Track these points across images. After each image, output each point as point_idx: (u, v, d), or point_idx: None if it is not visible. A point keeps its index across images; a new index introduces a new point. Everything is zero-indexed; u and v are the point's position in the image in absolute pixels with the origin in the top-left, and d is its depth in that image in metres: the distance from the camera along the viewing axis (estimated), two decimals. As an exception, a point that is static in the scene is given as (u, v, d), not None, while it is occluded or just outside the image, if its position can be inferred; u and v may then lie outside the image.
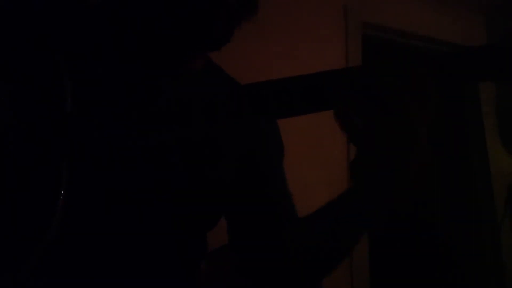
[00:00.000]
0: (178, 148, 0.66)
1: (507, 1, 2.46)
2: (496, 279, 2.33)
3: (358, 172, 0.56)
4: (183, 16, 0.63)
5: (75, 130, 0.53)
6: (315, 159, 2.03)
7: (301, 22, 2.15)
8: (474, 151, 2.52)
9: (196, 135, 0.63)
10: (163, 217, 0.66)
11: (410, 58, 0.53)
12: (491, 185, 2.42)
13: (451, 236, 2.59)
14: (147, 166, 0.64)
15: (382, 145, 0.52)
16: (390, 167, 0.53)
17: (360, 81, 0.52)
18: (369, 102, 0.51)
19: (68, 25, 0.64)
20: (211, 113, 0.52)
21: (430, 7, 2.46)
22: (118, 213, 0.62)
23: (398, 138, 0.51)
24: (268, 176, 0.78)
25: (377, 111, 0.51)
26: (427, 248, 2.63)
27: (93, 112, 0.54)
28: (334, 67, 0.55)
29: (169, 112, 0.53)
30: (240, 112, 0.52)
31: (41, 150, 0.53)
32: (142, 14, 0.66)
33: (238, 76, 0.80)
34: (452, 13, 2.52)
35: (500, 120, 2.53)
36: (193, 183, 0.67)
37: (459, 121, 2.59)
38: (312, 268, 0.71)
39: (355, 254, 1.98)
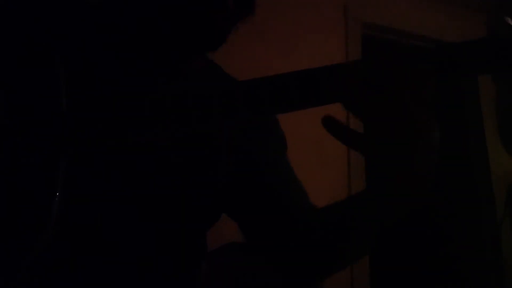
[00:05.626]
0: (177, 146, 0.66)
1: (507, 1, 2.46)
2: (496, 279, 2.33)
3: (372, 172, 0.55)
4: (180, 16, 0.63)
5: (71, 128, 0.53)
6: (315, 159, 2.03)
7: (301, 22, 2.15)
8: (474, 151, 2.52)
9: (192, 132, 0.63)
10: (161, 216, 0.66)
11: (407, 52, 0.52)
12: (491, 185, 2.42)
13: (451, 236, 2.59)
14: (144, 164, 0.64)
15: (386, 144, 0.50)
16: (399, 165, 0.51)
17: (356, 76, 0.51)
18: (368, 97, 0.51)
19: (65, 23, 0.64)
20: (206, 110, 0.52)
21: (431, 7, 2.46)
22: (115, 213, 0.62)
23: (402, 134, 0.49)
24: (271, 170, 0.78)
25: (376, 105, 0.50)
26: (427, 248, 2.63)
27: (88, 110, 0.54)
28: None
29: (163, 108, 0.53)
30: (236, 108, 0.52)
31: (37, 148, 0.53)
32: (139, 14, 0.66)
33: (238, 76, 0.80)
34: (452, 13, 2.52)
35: (500, 120, 2.53)
36: (193, 182, 0.67)
37: (459, 121, 2.59)
38: (325, 257, 0.72)
39: (355, 254, 1.98)
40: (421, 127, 0.49)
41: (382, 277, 2.22)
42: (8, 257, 0.51)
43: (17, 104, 0.55)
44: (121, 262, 0.63)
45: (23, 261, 0.51)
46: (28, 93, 0.56)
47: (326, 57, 2.13)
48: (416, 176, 0.52)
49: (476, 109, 2.53)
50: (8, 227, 0.52)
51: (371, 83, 0.50)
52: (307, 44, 2.12)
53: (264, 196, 0.76)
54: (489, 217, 2.41)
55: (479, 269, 2.41)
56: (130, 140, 0.54)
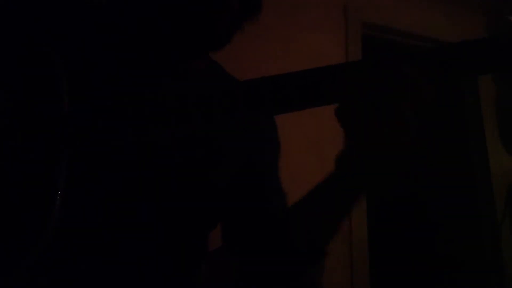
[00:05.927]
0: (177, 146, 0.66)
1: (507, 1, 2.46)
2: (496, 279, 2.33)
3: (344, 160, 0.60)
4: (180, 16, 0.63)
5: (73, 129, 0.53)
6: (315, 159, 2.03)
7: (301, 22, 2.15)
8: (474, 151, 2.52)
9: (193, 131, 0.63)
10: (163, 216, 0.66)
11: (407, 53, 0.53)
12: (491, 185, 2.42)
13: (451, 236, 2.59)
14: (146, 165, 0.64)
15: (373, 138, 0.53)
16: (376, 156, 0.55)
17: (356, 76, 0.51)
18: (362, 99, 0.52)
19: (65, 23, 0.64)
20: (207, 109, 0.52)
21: (430, 7, 2.46)
22: (116, 213, 0.62)
23: (388, 132, 0.52)
24: (266, 176, 0.78)
25: (368, 109, 0.51)
26: (427, 248, 2.63)
27: (88, 110, 0.54)
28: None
29: (165, 107, 0.53)
30: (236, 108, 0.52)
31: (37, 148, 0.53)
32: (139, 14, 0.66)
33: (238, 76, 0.80)
34: (452, 13, 2.52)
35: (500, 120, 2.53)
36: (193, 183, 0.67)
37: (459, 121, 2.59)
38: (304, 256, 0.72)
39: (355, 254, 1.98)
40: (410, 129, 0.51)
41: (382, 277, 2.22)
42: (9, 257, 0.51)
43: (17, 104, 0.55)
44: (121, 262, 0.63)
45: (23, 261, 0.51)
46: (28, 93, 0.56)
47: (326, 57, 2.13)
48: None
49: (476, 109, 2.53)
50: (9, 226, 0.52)
51: (370, 83, 0.50)
52: (307, 44, 2.12)
53: (257, 199, 0.76)
54: (489, 217, 2.41)
55: (479, 269, 2.41)
56: (130, 140, 0.54)
